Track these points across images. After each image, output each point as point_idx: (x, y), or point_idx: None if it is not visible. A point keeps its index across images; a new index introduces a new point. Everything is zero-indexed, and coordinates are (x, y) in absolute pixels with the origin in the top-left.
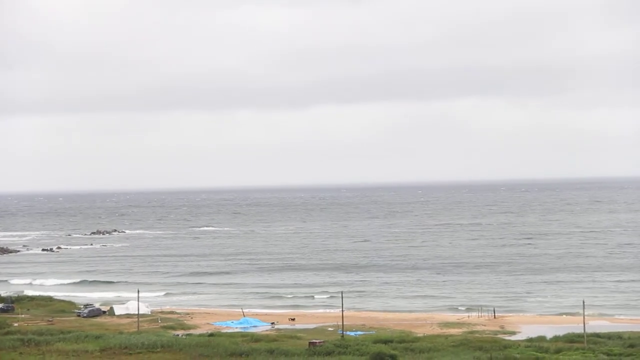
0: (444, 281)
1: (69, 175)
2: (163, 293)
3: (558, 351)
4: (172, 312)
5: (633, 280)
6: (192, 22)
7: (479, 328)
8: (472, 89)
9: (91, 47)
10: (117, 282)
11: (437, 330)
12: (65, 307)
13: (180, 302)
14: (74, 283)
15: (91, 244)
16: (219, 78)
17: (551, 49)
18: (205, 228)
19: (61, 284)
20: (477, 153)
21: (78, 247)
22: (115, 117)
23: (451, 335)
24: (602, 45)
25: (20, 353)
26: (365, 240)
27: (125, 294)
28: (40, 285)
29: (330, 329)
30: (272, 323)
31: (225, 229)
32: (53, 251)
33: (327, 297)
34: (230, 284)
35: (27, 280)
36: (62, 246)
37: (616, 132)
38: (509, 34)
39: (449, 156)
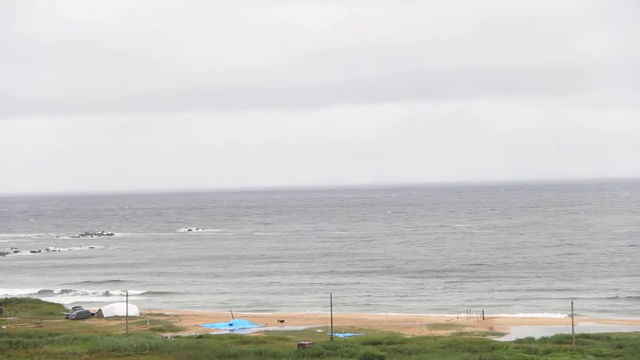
0: (433, 283)
1: (79, 177)
2: (151, 295)
3: (547, 352)
4: (160, 314)
5: (623, 282)
6: (229, 21)
7: (467, 329)
8: (488, 89)
9: (123, 46)
10: (103, 283)
11: (426, 332)
12: (54, 310)
13: (169, 304)
14: (56, 286)
15: (79, 246)
16: (238, 78)
17: (570, 49)
18: (202, 230)
19: (43, 290)
20: (493, 153)
21: (66, 249)
22: (130, 117)
23: (440, 337)
24: (624, 45)
25: (9, 355)
26: (355, 242)
27: (112, 297)
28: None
29: (319, 330)
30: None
31: (224, 231)
32: (40, 253)
33: (316, 299)
34: (219, 284)
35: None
36: (50, 248)
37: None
38: (526, 33)
39: (465, 156)
